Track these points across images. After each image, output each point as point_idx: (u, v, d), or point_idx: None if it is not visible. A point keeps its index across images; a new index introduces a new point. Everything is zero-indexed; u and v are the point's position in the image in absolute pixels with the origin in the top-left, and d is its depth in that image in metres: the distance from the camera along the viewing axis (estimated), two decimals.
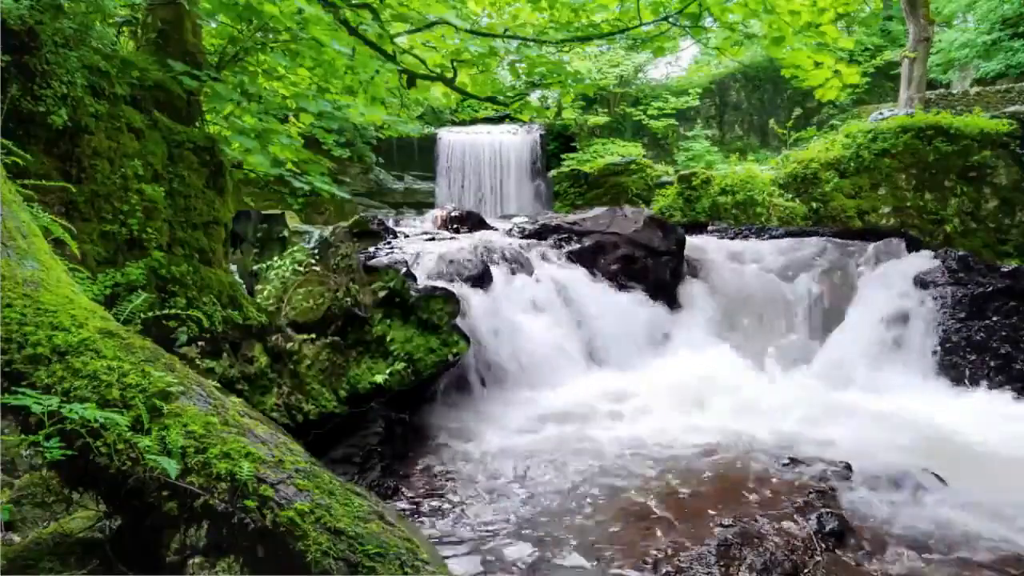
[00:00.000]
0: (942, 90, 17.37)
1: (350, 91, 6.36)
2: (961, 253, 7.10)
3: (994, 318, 6.17)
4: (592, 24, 6.81)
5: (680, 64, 23.05)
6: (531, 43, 6.39)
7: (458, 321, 5.40)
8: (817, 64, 6.12)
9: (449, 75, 6.01)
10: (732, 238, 8.68)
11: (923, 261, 7.08)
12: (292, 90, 6.14)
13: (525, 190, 16.19)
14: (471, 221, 8.78)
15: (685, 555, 2.95)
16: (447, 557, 3.07)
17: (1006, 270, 6.84)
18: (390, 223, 8.05)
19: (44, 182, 3.00)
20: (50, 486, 2.26)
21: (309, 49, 5.17)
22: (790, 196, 11.12)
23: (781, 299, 7.11)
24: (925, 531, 3.34)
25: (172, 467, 1.66)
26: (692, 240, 7.75)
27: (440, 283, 5.74)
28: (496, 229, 8.54)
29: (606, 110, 18.30)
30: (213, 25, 5.53)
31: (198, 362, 3.71)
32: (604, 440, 4.61)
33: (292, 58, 5.47)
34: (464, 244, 6.95)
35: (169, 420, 1.78)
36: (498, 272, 6.41)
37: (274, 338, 4.39)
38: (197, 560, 1.65)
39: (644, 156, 15.30)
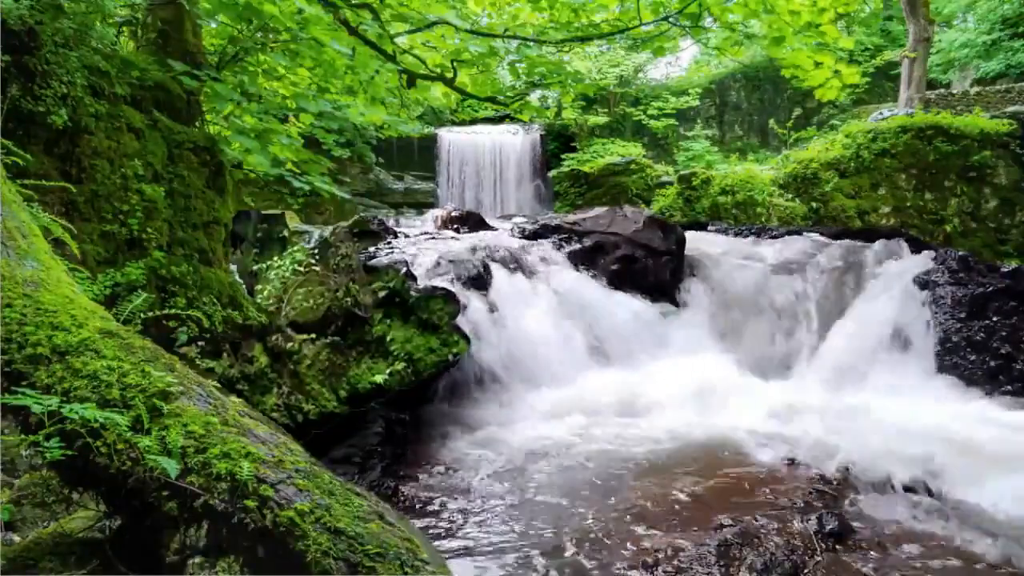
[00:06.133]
0: (942, 90, 17.37)
1: (350, 91, 6.36)
2: (961, 253, 7.09)
3: (994, 318, 6.17)
4: (592, 24, 6.81)
5: (680, 64, 23.09)
6: (531, 43, 6.39)
7: (458, 321, 5.39)
8: (817, 64, 6.12)
9: (449, 75, 6.01)
10: (732, 238, 8.66)
11: (923, 261, 7.07)
12: (292, 90, 6.15)
13: (525, 190, 16.19)
14: (471, 221, 8.78)
15: (685, 555, 2.95)
16: (447, 557, 3.07)
17: (1006, 270, 6.83)
18: (390, 223, 8.05)
19: (44, 182, 3.00)
20: (50, 486, 2.26)
21: (309, 49, 5.18)
22: (790, 196, 11.12)
23: (781, 299, 7.11)
24: (925, 531, 3.34)
25: (172, 467, 1.66)
26: (692, 240, 7.75)
27: (440, 283, 5.74)
28: (496, 229, 8.54)
29: (606, 110, 18.31)
30: (213, 25, 5.54)
31: (198, 362, 3.71)
32: (604, 440, 4.61)
33: (292, 58, 5.47)
34: (464, 244, 6.94)
35: (169, 420, 1.78)
36: (498, 272, 6.41)
37: (274, 338, 4.39)
38: (197, 560, 1.65)
39: (644, 156, 15.30)
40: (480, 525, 3.47)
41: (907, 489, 3.76)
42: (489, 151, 16.23)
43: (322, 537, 1.61)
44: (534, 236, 7.58)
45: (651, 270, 7.15)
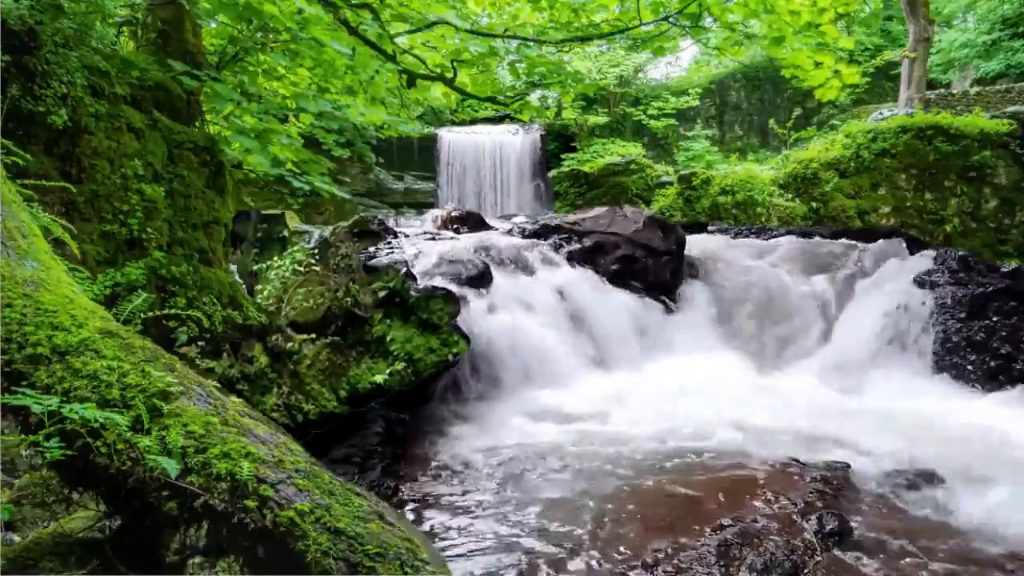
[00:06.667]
0: (942, 90, 17.38)
1: (350, 91, 6.37)
2: (961, 253, 7.09)
3: (994, 318, 6.17)
4: (592, 24, 6.82)
5: (680, 64, 23.12)
6: (531, 43, 6.39)
7: (458, 321, 5.39)
8: (817, 64, 6.13)
9: (449, 75, 6.02)
10: (732, 238, 8.67)
11: (923, 261, 7.08)
12: (292, 90, 6.15)
13: (525, 190, 16.20)
14: (471, 221, 8.78)
15: (685, 555, 2.95)
16: (447, 557, 3.07)
17: (1006, 270, 6.83)
18: (390, 223, 8.04)
19: (44, 182, 3.00)
20: (50, 486, 2.26)
21: (309, 49, 5.18)
22: (790, 196, 11.12)
23: (781, 299, 7.11)
24: (925, 531, 3.34)
25: (172, 467, 1.66)
26: (692, 240, 7.75)
27: (440, 283, 5.74)
28: (496, 229, 8.54)
29: (606, 110, 18.31)
30: (213, 25, 5.54)
31: (198, 362, 3.71)
32: (604, 440, 4.61)
33: (292, 58, 5.47)
34: (464, 244, 6.94)
35: (169, 420, 1.78)
36: (498, 272, 6.41)
37: (274, 338, 4.39)
38: (197, 560, 1.65)
39: (644, 156, 15.32)
40: (480, 525, 3.47)
41: (907, 489, 3.76)
42: (489, 151, 16.23)
43: (322, 537, 1.61)
44: (534, 236, 7.58)
45: (651, 270, 7.16)
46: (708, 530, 3.18)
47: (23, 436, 1.78)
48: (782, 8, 5.73)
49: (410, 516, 3.60)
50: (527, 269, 6.76)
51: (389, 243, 6.77)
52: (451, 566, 2.93)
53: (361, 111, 6.20)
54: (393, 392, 4.82)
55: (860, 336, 6.52)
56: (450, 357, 5.15)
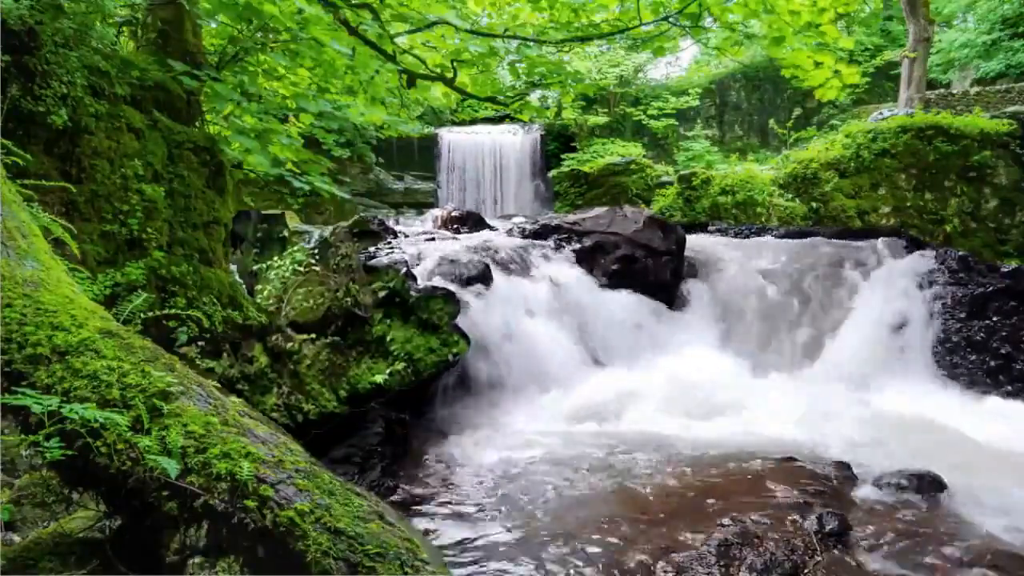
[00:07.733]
0: (942, 90, 17.38)
1: (350, 91, 6.37)
2: (961, 253, 7.10)
3: (994, 318, 6.17)
4: (592, 24, 6.82)
5: (680, 64, 23.12)
6: (531, 43, 6.39)
7: (458, 321, 5.39)
8: (817, 64, 6.13)
9: (449, 75, 6.01)
10: (732, 238, 8.67)
11: (923, 261, 7.08)
12: (292, 90, 6.15)
13: (525, 190, 16.20)
14: (471, 221, 8.78)
15: (685, 555, 2.95)
16: (447, 556, 3.07)
17: (1006, 270, 6.84)
18: (390, 223, 8.04)
19: (44, 182, 3.00)
20: (50, 486, 2.26)
21: (309, 49, 5.18)
22: (790, 196, 11.12)
23: (781, 299, 7.11)
24: (925, 531, 3.34)
25: (172, 467, 1.66)
26: (692, 240, 7.75)
27: (440, 283, 5.74)
28: (496, 229, 8.54)
29: (606, 110, 18.31)
30: (213, 25, 5.54)
31: (198, 362, 3.71)
32: (604, 440, 4.61)
33: (292, 58, 5.47)
34: (464, 244, 6.94)
35: (169, 420, 1.78)
36: (498, 272, 6.41)
37: (274, 338, 4.39)
38: (197, 560, 1.65)
39: (644, 156, 15.32)
40: (479, 525, 3.47)
41: (907, 488, 3.76)
42: (489, 151, 16.23)
43: (322, 537, 1.61)
44: (534, 236, 7.58)
45: (651, 270, 7.15)
46: (708, 530, 3.18)
47: (23, 436, 1.78)
48: (782, 8, 5.73)
49: (410, 516, 3.60)
50: (527, 269, 6.76)
51: (389, 243, 6.78)
52: (451, 566, 2.93)
53: (361, 111, 6.20)
54: (393, 392, 4.82)
55: (860, 336, 6.52)
56: (450, 357, 5.15)
